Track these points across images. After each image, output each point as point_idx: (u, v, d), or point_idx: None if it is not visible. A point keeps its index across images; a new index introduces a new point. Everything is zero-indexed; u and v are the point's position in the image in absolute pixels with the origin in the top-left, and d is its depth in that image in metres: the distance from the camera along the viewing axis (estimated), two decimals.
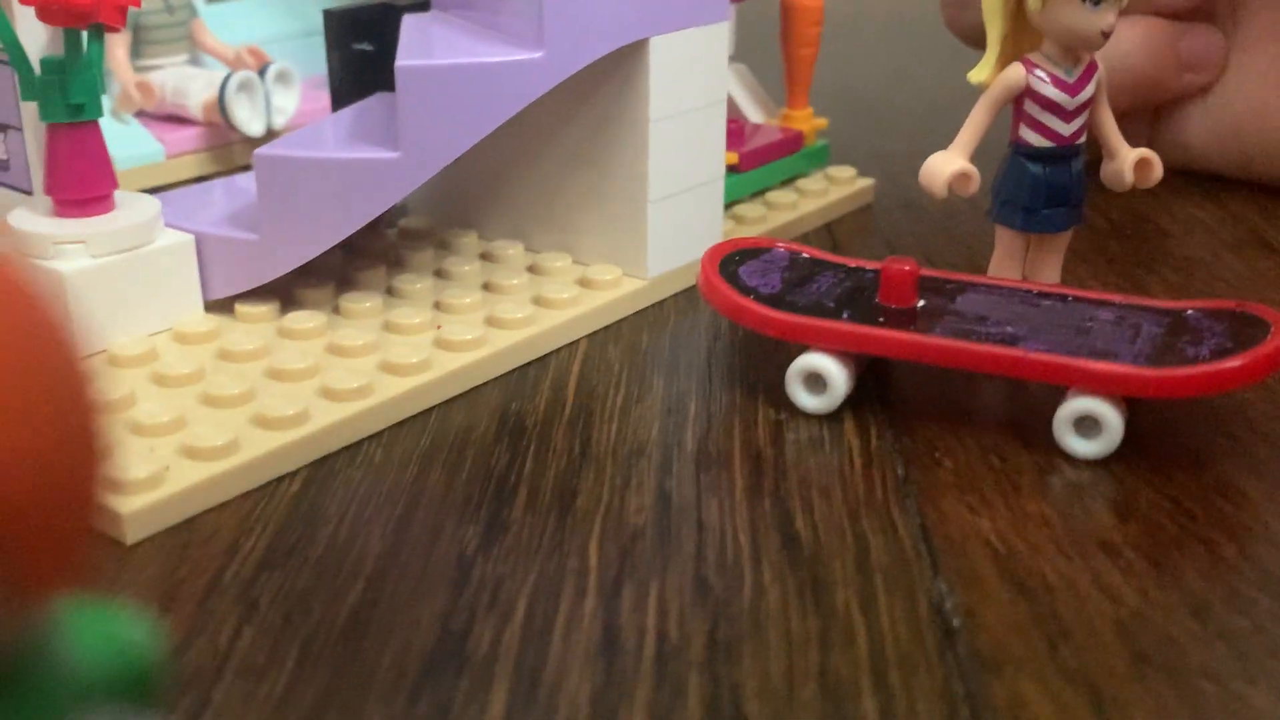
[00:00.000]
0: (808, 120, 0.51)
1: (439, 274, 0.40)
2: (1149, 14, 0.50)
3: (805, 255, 0.37)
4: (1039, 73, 0.34)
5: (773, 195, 0.48)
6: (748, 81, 0.52)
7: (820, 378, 0.33)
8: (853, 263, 0.37)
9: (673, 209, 0.41)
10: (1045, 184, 0.35)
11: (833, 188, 0.50)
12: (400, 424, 0.33)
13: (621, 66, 0.39)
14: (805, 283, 0.36)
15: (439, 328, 0.36)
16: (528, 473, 0.31)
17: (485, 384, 0.36)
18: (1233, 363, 0.30)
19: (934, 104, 0.63)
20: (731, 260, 0.36)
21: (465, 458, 0.32)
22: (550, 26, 0.36)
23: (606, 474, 0.31)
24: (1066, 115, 0.35)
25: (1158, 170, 0.36)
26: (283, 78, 0.55)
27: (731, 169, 0.47)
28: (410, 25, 0.39)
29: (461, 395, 0.35)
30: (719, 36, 0.41)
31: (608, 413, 0.34)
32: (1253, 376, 0.30)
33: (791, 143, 0.50)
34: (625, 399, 0.35)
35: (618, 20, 0.38)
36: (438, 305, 0.38)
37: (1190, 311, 0.33)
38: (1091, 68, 0.35)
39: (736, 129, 0.49)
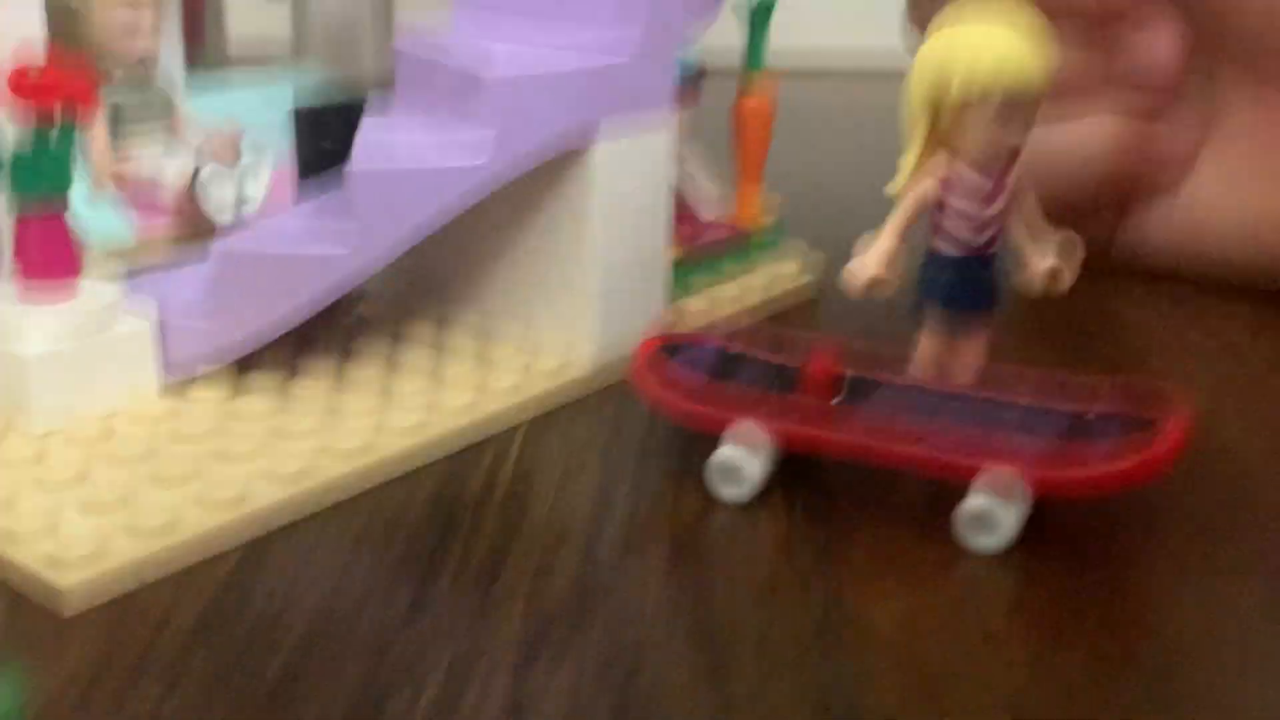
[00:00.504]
0: (760, 215, 0.53)
1: (389, 361, 0.42)
2: (1118, 113, 0.52)
3: (736, 348, 0.39)
4: (952, 183, 0.36)
5: (718, 288, 0.50)
6: (700, 170, 0.55)
7: (736, 470, 0.35)
8: (778, 357, 0.39)
9: (618, 300, 0.43)
10: (958, 288, 0.37)
11: (778, 281, 0.52)
12: (339, 505, 0.35)
13: (568, 164, 0.41)
14: (731, 375, 0.37)
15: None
16: (456, 553, 0.33)
17: (424, 466, 0.38)
18: (1122, 465, 0.32)
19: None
20: (665, 351, 0.38)
21: (397, 537, 0.34)
22: (498, 131, 0.38)
23: (532, 556, 0.33)
24: (978, 225, 0.37)
25: (1065, 282, 0.37)
26: (253, 168, 0.57)
27: (677, 262, 0.49)
28: (368, 127, 0.41)
29: (401, 478, 0.37)
30: (667, 136, 0.43)
31: (539, 497, 0.36)
32: (1145, 477, 0.32)
33: (740, 235, 0.52)
34: (558, 484, 0.37)
35: (563, 125, 0.40)
36: (384, 391, 0.40)
37: (1096, 408, 0.35)
38: (1005, 178, 0.37)
39: (684, 220, 0.52)
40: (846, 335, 0.47)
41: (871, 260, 0.37)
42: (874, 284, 0.36)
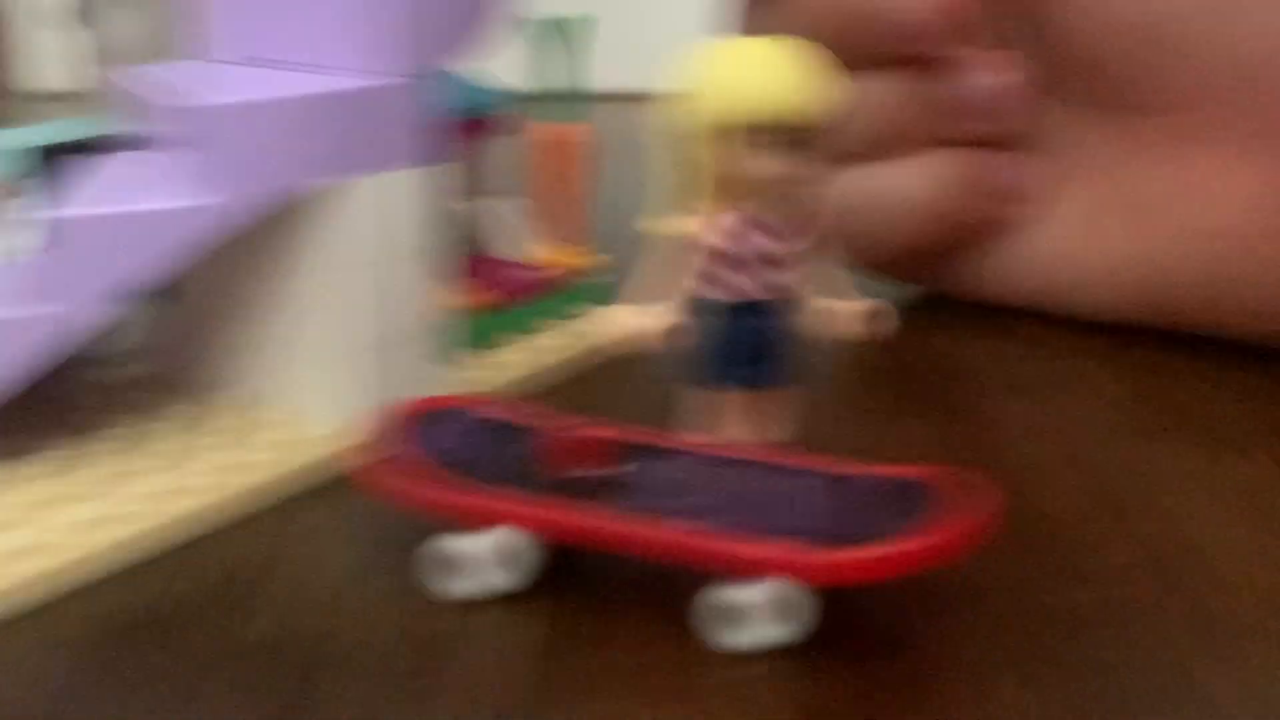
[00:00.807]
0: (576, 257, 0.49)
1: (126, 437, 0.38)
2: (948, 149, 0.48)
3: (500, 416, 0.35)
4: (724, 224, 0.32)
5: (527, 338, 0.46)
6: (517, 216, 0.51)
7: (464, 562, 0.31)
8: (553, 423, 0.35)
9: (392, 359, 0.39)
10: (741, 341, 0.33)
11: (599, 327, 0.48)
12: (36, 611, 0.31)
13: (319, 212, 0.37)
14: (495, 450, 0.33)
15: None
16: (153, 667, 0.29)
17: (155, 559, 0.33)
18: (916, 544, 0.28)
19: None
20: (415, 424, 0.34)
21: (90, 651, 0.29)
22: (217, 169, 0.34)
23: (240, 669, 0.29)
24: (758, 268, 0.33)
25: (874, 326, 0.34)
26: (22, 220, 0.52)
27: (482, 311, 0.45)
28: (84, 169, 0.37)
29: (125, 572, 0.32)
30: (437, 177, 0.39)
31: (267, 595, 0.32)
32: (930, 562, 0.28)
33: (553, 281, 0.48)
34: (291, 579, 0.32)
35: (299, 167, 0.36)
36: (116, 474, 0.36)
37: (886, 480, 0.31)
38: (788, 217, 0.33)
39: (491, 267, 0.48)
40: (665, 390, 0.44)
41: (636, 310, 0.33)
42: (642, 337, 0.32)
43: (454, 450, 0.33)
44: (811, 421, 0.41)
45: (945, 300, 0.52)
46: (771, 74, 0.31)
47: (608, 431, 0.33)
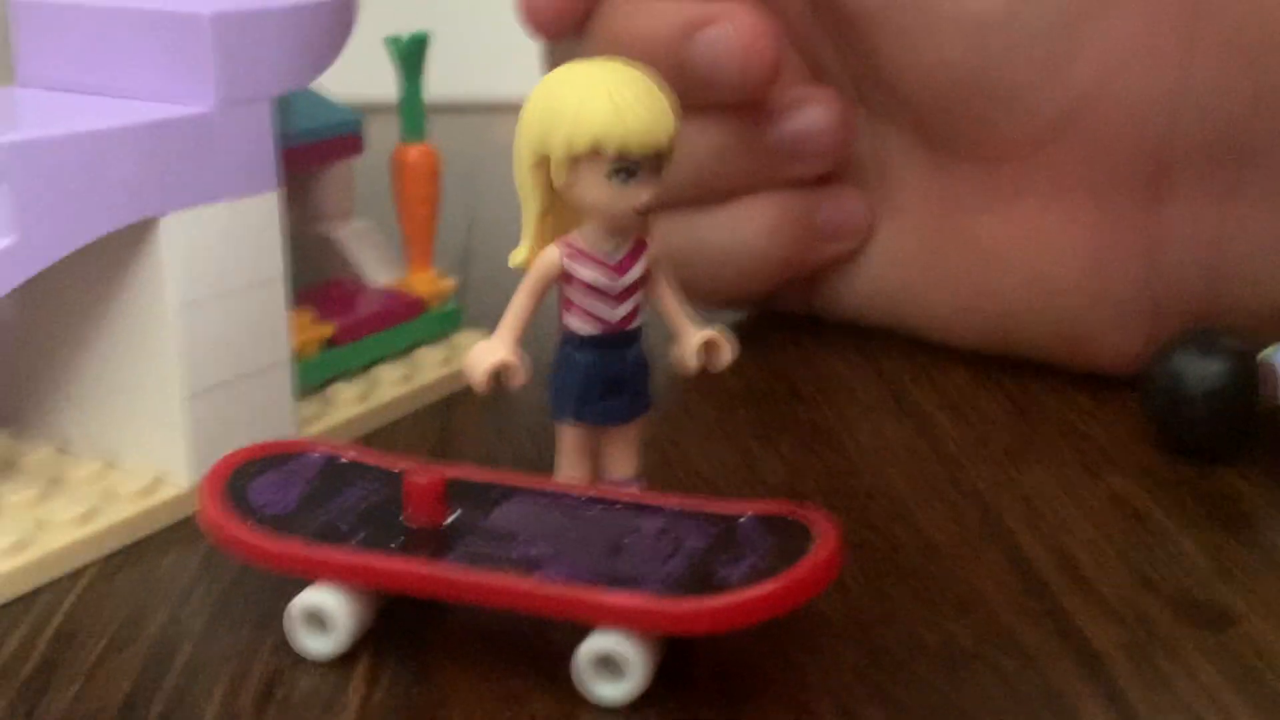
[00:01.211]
0: (431, 283, 0.47)
1: None
2: (777, 189, 0.46)
3: (345, 459, 0.32)
4: (577, 253, 0.30)
5: (380, 370, 0.44)
6: (368, 241, 0.48)
7: (322, 618, 0.29)
8: (398, 466, 0.32)
9: (221, 402, 0.36)
10: (598, 374, 0.31)
11: (456, 357, 0.46)
12: None
13: (135, 247, 0.34)
14: (330, 497, 0.31)
15: None
16: None
17: None
18: (762, 589, 0.26)
19: None
20: (246, 472, 0.31)
21: None
22: (28, 211, 0.31)
23: None
24: (612, 299, 0.31)
25: (725, 354, 0.32)
26: None
27: (329, 342, 0.43)
28: None
29: None
30: (265, 208, 0.36)
31: (76, 668, 0.29)
32: (786, 604, 0.26)
33: (407, 309, 0.45)
34: (106, 647, 0.30)
35: (110, 201, 0.33)
36: None
37: (744, 518, 0.29)
38: (640, 246, 0.31)
39: (339, 295, 0.45)
40: (526, 421, 0.41)
41: (498, 342, 0.31)
42: (500, 372, 0.30)
43: (278, 500, 0.30)
44: (670, 452, 0.39)
45: (791, 317, 0.50)
46: (633, 97, 0.29)
47: (442, 473, 0.30)
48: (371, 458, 0.33)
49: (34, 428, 0.38)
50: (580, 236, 0.31)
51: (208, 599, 0.32)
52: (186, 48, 0.34)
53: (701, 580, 0.27)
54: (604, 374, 0.31)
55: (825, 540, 0.27)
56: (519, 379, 0.31)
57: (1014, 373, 0.45)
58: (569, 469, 0.32)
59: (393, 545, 0.29)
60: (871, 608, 0.31)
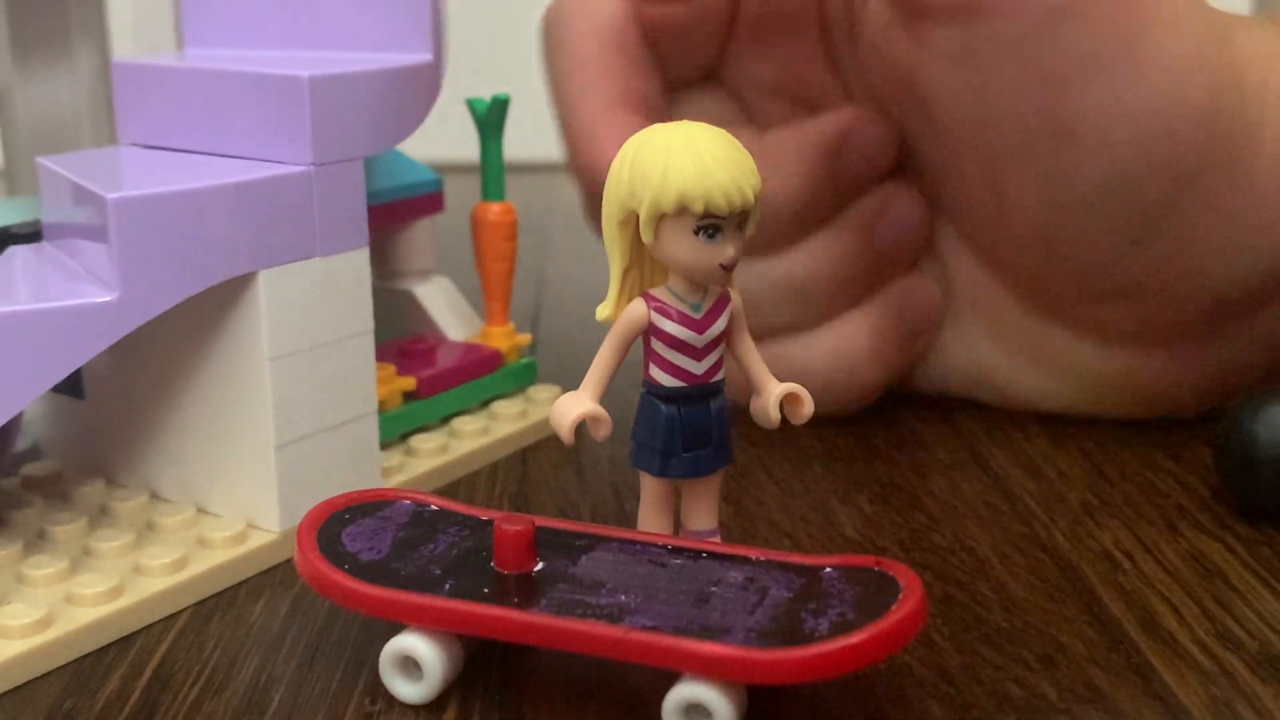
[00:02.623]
0: (507, 337, 0.48)
1: (26, 538, 0.35)
2: (873, 295, 0.44)
3: (433, 507, 0.33)
4: (662, 308, 0.31)
5: (459, 422, 0.44)
6: (448, 297, 0.49)
7: (416, 662, 0.29)
8: (485, 514, 0.33)
9: (309, 452, 0.37)
10: (681, 426, 0.32)
11: (533, 409, 0.46)
12: None
13: (233, 301, 0.35)
14: (420, 544, 0.31)
15: None
16: None
17: (44, 675, 0.31)
18: (849, 640, 0.26)
19: None
20: (339, 520, 0.32)
21: None
22: (126, 261, 0.32)
23: None
24: (696, 353, 0.31)
25: (807, 407, 0.32)
26: None
27: (410, 395, 0.43)
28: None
29: (11, 692, 0.30)
30: (357, 264, 0.37)
31: (173, 711, 0.29)
32: (873, 656, 0.26)
33: (485, 362, 0.46)
34: (203, 690, 0.30)
35: (210, 257, 0.34)
36: (19, 578, 0.33)
37: (828, 569, 0.30)
38: (723, 300, 0.32)
39: (420, 349, 0.46)
40: (607, 469, 0.42)
41: (584, 395, 0.31)
42: (589, 422, 0.31)
43: (371, 547, 0.31)
44: (750, 507, 0.39)
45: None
46: (704, 146, 0.29)
47: (532, 521, 0.31)
48: (459, 507, 0.33)
49: (127, 475, 0.39)
50: (665, 291, 0.31)
51: (299, 644, 0.32)
52: (285, 109, 0.35)
53: (788, 631, 0.27)
54: (688, 427, 0.32)
55: (910, 593, 0.28)
56: (604, 431, 0.31)
57: (1091, 432, 0.45)
58: (651, 520, 0.33)
59: (485, 591, 0.29)
60: (956, 661, 0.31)
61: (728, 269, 0.30)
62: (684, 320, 0.31)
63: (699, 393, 0.32)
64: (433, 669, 0.29)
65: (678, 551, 0.31)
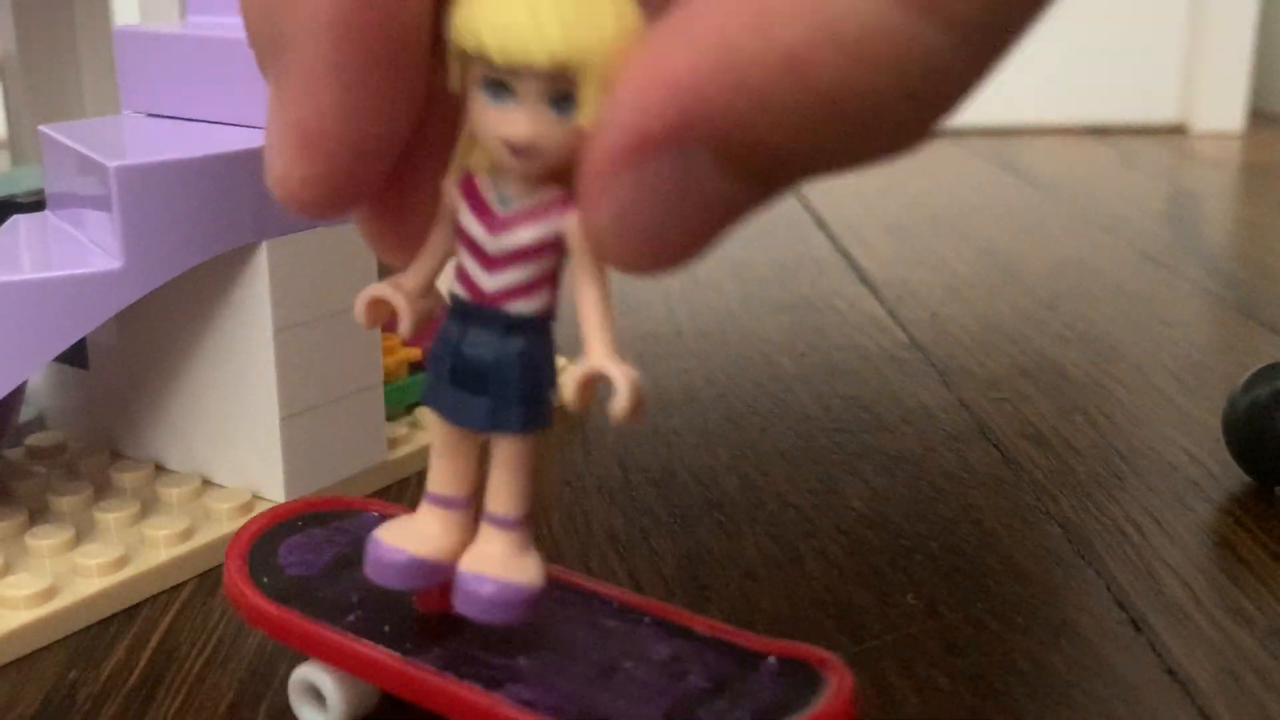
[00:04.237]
0: None
1: (30, 508, 0.35)
2: None
3: (361, 528, 0.30)
4: (471, 190, 0.23)
5: None
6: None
7: (318, 693, 0.27)
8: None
9: (314, 424, 0.37)
10: (450, 351, 0.23)
11: None
12: None
13: (237, 272, 0.35)
14: (357, 564, 0.26)
15: None
16: None
17: (49, 646, 0.31)
18: None
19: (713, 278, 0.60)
20: (288, 527, 0.30)
21: None
22: (128, 236, 0.32)
23: None
24: (487, 261, 0.22)
25: (619, 399, 0.22)
26: None
27: (416, 366, 0.43)
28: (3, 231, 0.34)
29: (14, 663, 0.30)
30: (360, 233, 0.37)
31: (179, 682, 0.29)
32: None
33: None
34: (207, 661, 0.30)
35: (214, 226, 0.33)
36: (12, 551, 0.33)
37: (771, 659, 0.25)
38: (553, 206, 0.22)
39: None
40: (613, 443, 0.41)
41: (383, 283, 0.24)
42: (370, 308, 0.24)
43: (306, 561, 0.28)
44: (755, 477, 0.39)
45: (874, 346, 0.50)
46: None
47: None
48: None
49: (132, 446, 0.39)
50: (489, 172, 0.23)
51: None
52: None
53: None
54: (457, 354, 0.23)
55: (834, 697, 0.24)
56: (404, 323, 0.24)
57: (1100, 404, 0.45)
58: (434, 474, 0.25)
59: (385, 630, 0.26)
60: (964, 633, 0.31)
61: (516, 151, 0.21)
62: (480, 212, 0.22)
63: (484, 316, 0.23)
64: (335, 704, 0.27)
65: (622, 612, 0.27)
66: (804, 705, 0.24)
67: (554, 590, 0.27)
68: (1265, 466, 0.38)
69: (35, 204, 0.37)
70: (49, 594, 0.31)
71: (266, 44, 0.22)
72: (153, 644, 0.31)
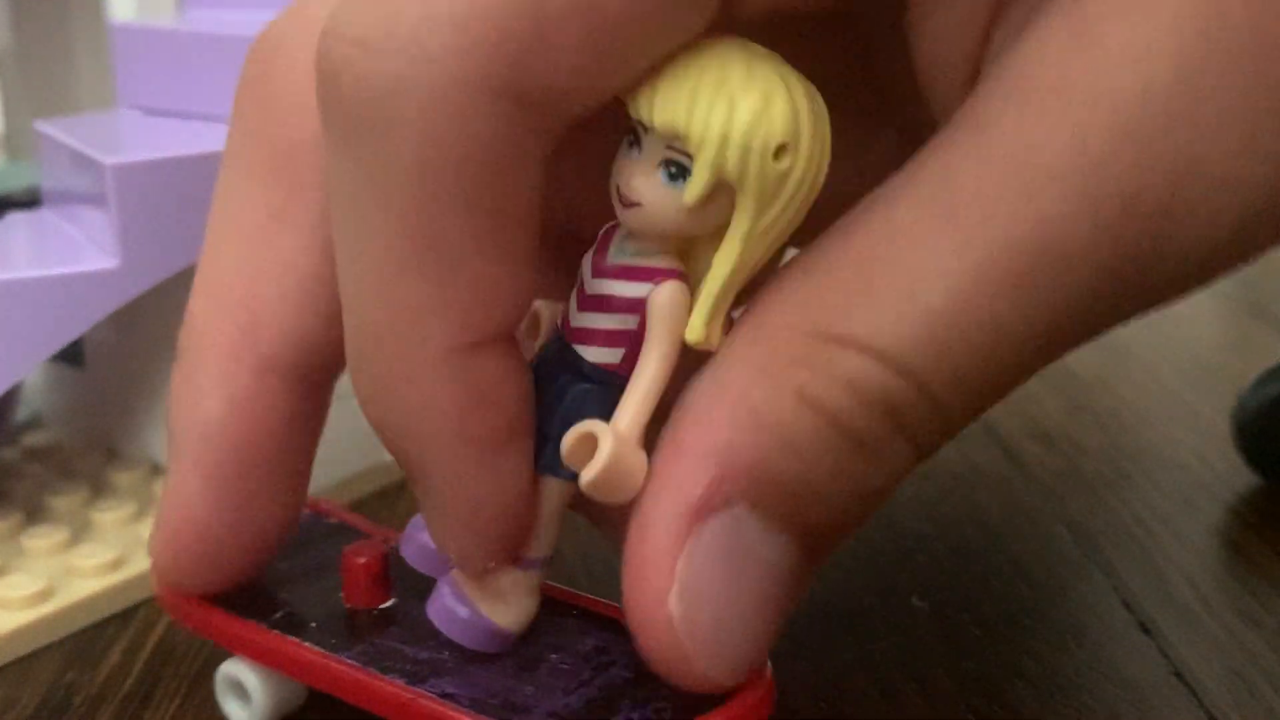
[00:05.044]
0: None
1: (27, 508, 0.35)
2: None
3: (331, 520, 0.30)
4: (604, 234, 0.23)
5: None
6: None
7: (243, 689, 0.27)
8: (379, 533, 0.29)
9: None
10: (537, 379, 0.23)
11: None
12: None
13: None
14: (289, 560, 0.28)
15: None
16: None
17: (45, 648, 0.30)
18: None
19: None
20: None
21: None
22: (125, 233, 0.32)
23: None
24: (580, 294, 0.23)
25: (594, 466, 0.21)
26: None
27: None
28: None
29: (12, 664, 0.30)
30: None
31: (175, 684, 0.29)
32: None
33: None
34: (204, 664, 0.30)
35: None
36: (10, 550, 0.33)
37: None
38: (660, 274, 0.22)
39: None
40: None
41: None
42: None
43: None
44: None
45: None
46: (719, 74, 0.20)
47: (384, 552, 0.27)
48: (360, 522, 0.30)
49: (128, 446, 0.38)
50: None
51: None
52: None
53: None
54: (539, 385, 0.23)
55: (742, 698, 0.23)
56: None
57: (1106, 403, 0.44)
58: (540, 541, 0.24)
59: (312, 626, 0.26)
60: (969, 634, 0.30)
61: (621, 200, 0.21)
62: (598, 252, 0.23)
63: (559, 350, 0.23)
64: (259, 699, 0.26)
65: (551, 605, 0.26)
66: (718, 700, 0.23)
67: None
68: (1275, 467, 0.37)
69: (31, 201, 0.37)
70: (45, 595, 0.31)
71: None
72: (150, 646, 0.31)
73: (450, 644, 0.25)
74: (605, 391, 0.22)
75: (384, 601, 0.27)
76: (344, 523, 0.30)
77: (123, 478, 0.37)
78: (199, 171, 0.33)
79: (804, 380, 0.19)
